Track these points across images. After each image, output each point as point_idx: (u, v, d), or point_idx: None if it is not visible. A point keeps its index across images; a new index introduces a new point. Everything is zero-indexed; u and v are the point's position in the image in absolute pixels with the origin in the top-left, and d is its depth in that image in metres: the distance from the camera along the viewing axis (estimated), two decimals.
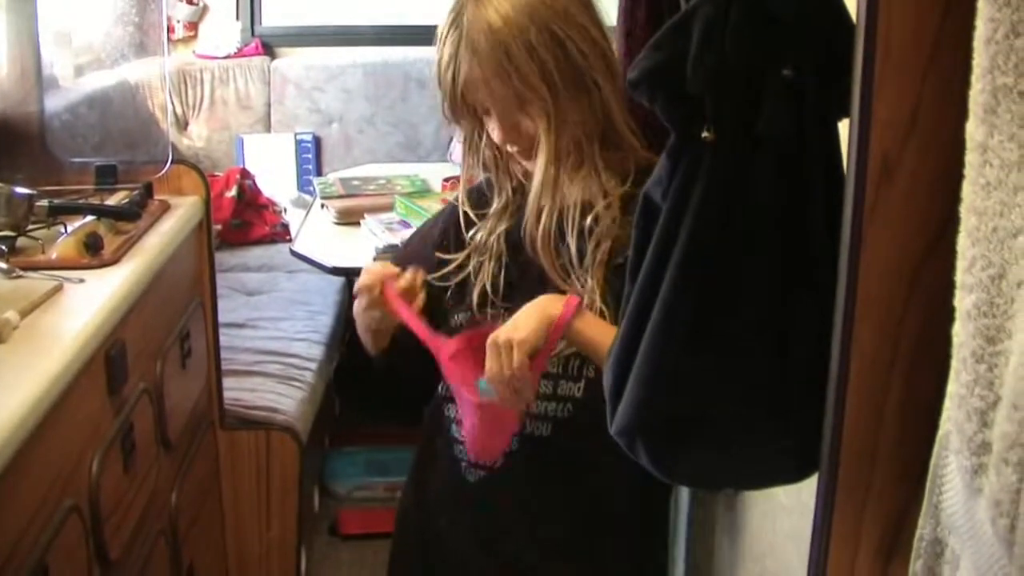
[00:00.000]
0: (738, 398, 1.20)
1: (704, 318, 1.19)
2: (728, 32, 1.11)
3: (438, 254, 2.24)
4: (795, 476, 1.32)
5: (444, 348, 1.99)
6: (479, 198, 2.25)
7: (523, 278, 2.13)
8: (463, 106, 2.07)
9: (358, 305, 2.12)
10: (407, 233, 3.36)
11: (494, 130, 2.07)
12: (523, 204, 2.13)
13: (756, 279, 1.18)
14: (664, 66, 1.15)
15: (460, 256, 2.21)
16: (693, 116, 1.15)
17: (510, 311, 2.00)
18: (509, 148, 2.09)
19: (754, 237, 1.17)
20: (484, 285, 2.15)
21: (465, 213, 2.23)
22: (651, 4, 3.30)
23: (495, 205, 2.20)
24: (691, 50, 1.13)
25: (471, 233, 2.21)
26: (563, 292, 2.02)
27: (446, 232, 2.28)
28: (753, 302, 1.18)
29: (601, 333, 1.88)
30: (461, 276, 2.19)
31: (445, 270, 2.21)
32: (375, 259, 2.48)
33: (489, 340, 1.88)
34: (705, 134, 1.14)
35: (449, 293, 2.21)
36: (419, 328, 2.03)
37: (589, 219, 2.05)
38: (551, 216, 2.06)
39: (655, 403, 1.23)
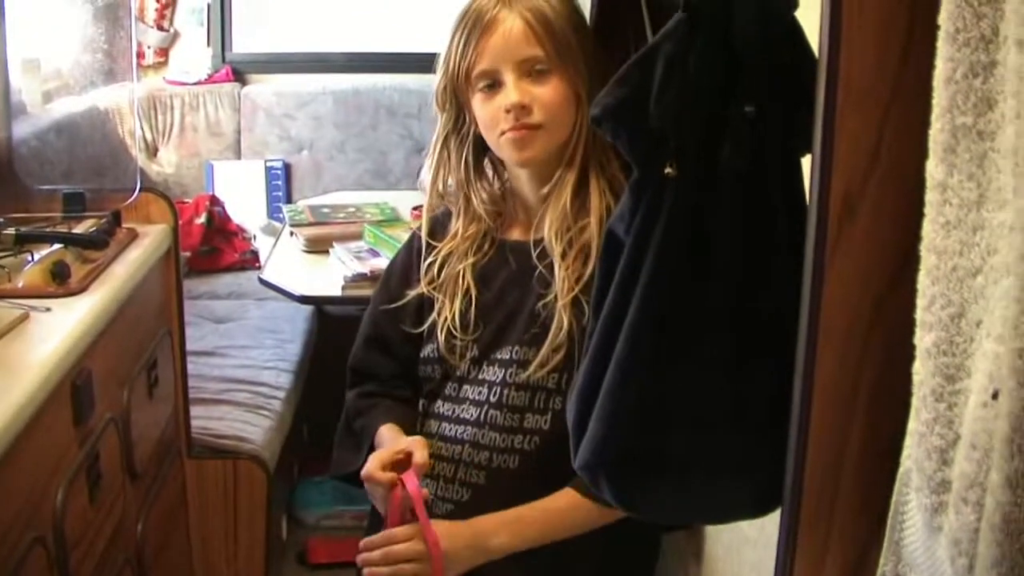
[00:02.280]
0: (697, 433, 1.20)
1: (665, 353, 1.19)
2: (689, 68, 1.12)
3: (413, 293, 2.21)
4: (753, 512, 1.32)
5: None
6: (440, 229, 2.21)
7: (496, 308, 2.12)
8: (464, 85, 2.04)
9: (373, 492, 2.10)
10: (376, 262, 3.35)
11: (509, 92, 2.00)
12: (492, 235, 2.13)
13: (717, 314, 1.18)
14: (627, 102, 1.16)
15: (414, 293, 2.19)
16: (655, 151, 1.15)
17: (476, 342, 2.10)
18: (508, 125, 2.01)
19: (715, 271, 1.17)
20: (449, 323, 2.12)
21: (428, 244, 2.19)
22: (617, 40, 3.33)
23: (458, 233, 2.16)
24: (653, 86, 1.13)
25: (434, 270, 2.16)
26: (539, 313, 2.04)
27: (417, 265, 2.24)
28: (714, 337, 1.19)
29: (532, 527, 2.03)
30: (430, 320, 2.16)
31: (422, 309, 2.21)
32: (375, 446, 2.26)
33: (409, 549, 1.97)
34: (668, 170, 1.14)
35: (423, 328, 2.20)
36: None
37: (586, 233, 2.02)
38: (565, 216, 2.02)
39: (617, 438, 1.23)
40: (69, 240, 2.52)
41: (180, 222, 3.07)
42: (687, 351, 1.19)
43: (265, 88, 5.54)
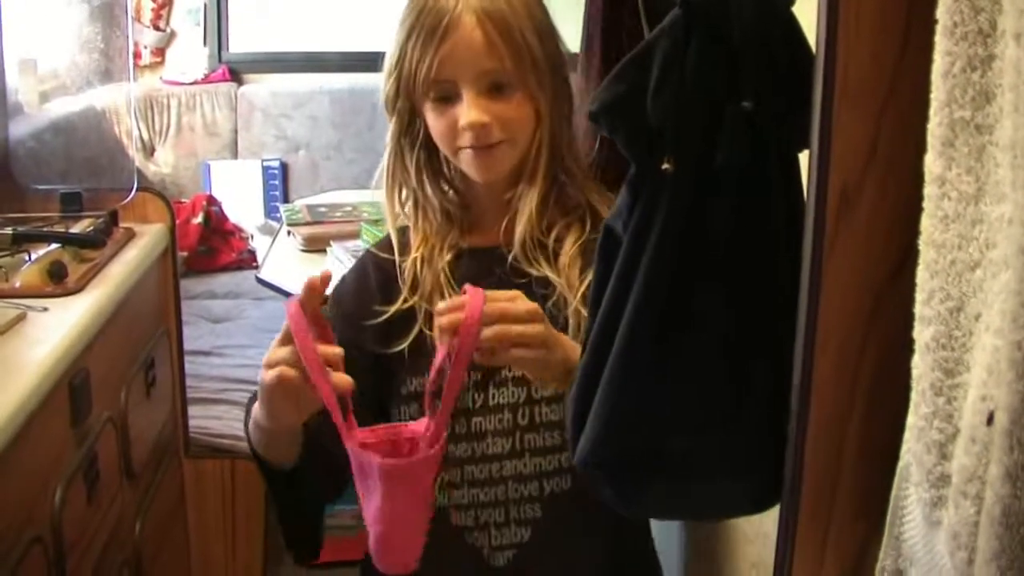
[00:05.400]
0: (696, 432, 1.20)
1: (663, 350, 1.18)
2: (687, 64, 1.12)
3: (385, 316, 1.86)
4: (751, 510, 1.32)
5: (358, 434, 1.56)
6: (401, 241, 1.91)
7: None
8: (424, 87, 1.77)
9: (276, 377, 1.55)
10: None
11: (466, 110, 1.75)
12: (455, 243, 1.87)
13: (715, 310, 1.18)
14: (624, 98, 1.16)
15: (393, 309, 1.84)
16: (653, 148, 1.15)
17: (480, 368, 1.75)
18: (467, 143, 1.77)
19: (714, 267, 1.17)
20: None
21: (392, 261, 1.89)
22: (608, 36, 3.33)
23: (423, 241, 1.88)
24: (651, 82, 1.13)
25: (415, 278, 1.86)
26: (553, 312, 1.75)
27: (386, 287, 1.89)
28: (712, 333, 1.18)
29: None
30: (412, 336, 1.83)
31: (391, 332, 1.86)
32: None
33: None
34: (666, 165, 1.14)
35: (401, 358, 1.85)
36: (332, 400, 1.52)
37: (552, 236, 1.83)
38: (532, 220, 1.83)
39: (615, 437, 1.22)
40: (66, 240, 2.52)
41: (177, 222, 3.09)
42: (685, 349, 1.18)
43: (262, 88, 5.55)
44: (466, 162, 1.82)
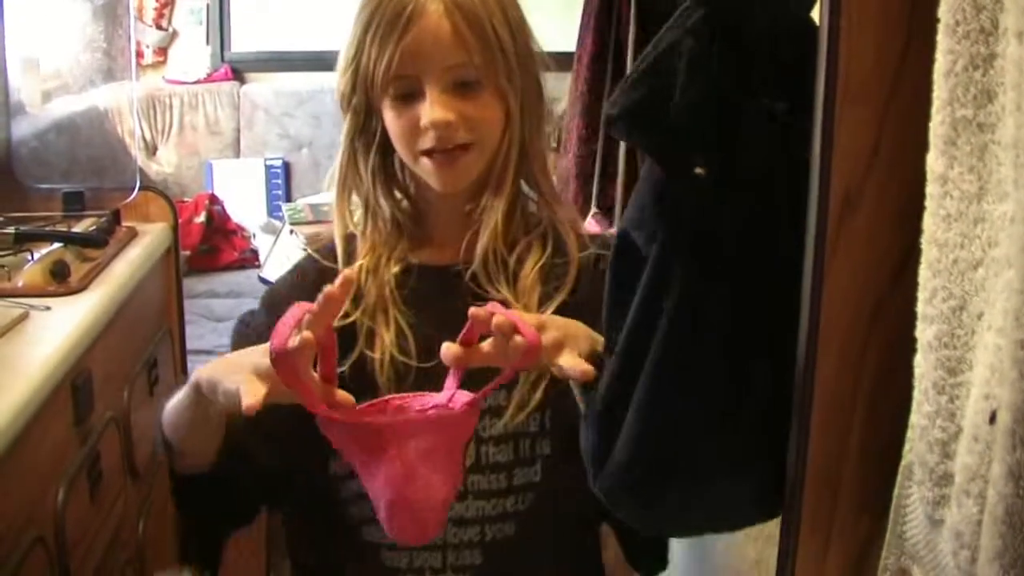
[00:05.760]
0: (721, 444, 1.17)
1: (699, 362, 1.16)
2: (712, 64, 1.10)
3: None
4: (755, 518, 1.30)
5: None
6: (346, 250, 1.73)
7: (443, 330, 1.49)
8: (383, 83, 1.60)
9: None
10: None
11: (429, 108, 1.58)
12: (404, 259, 1.70)
13: (744, 318, 1.15)
14: (647, 102, 1.12)
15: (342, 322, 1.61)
16: (682, 150, 1.12)
17: (432, 379, 1.54)
18: (429, 145, 1.60)
19: (740, 273, 1.15)
20: (387, 357, 1.63)
21: (334, 270, 1.63)
22: (597, 33, 3.33)
23: (370, 251, 1.70)
24: (678, 84, 1.11)
25: (350, 295, 1.58)
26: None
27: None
28: (743, 343, 1.16)
29: None
30: (355, 355, 1.64)
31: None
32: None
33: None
34: (699, 169, 1.12)
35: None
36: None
37: (514, 256, 1.67)
38: (497, 235, 1.67)
39: (645, 458, 1.20)
40: (69, 239, 2.52)
41: (179, 221, 3.08)
42: (718, 360, 1.16)
43: (264, 87, 5.56)
44: (427, 168, 1.64)
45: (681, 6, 1.13)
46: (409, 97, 1.61)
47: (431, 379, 1.54)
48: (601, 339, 1.36)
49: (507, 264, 1.66)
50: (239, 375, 1.39)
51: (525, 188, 1.73)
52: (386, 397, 1.48)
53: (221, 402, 1.45)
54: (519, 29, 1.67)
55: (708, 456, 1.19)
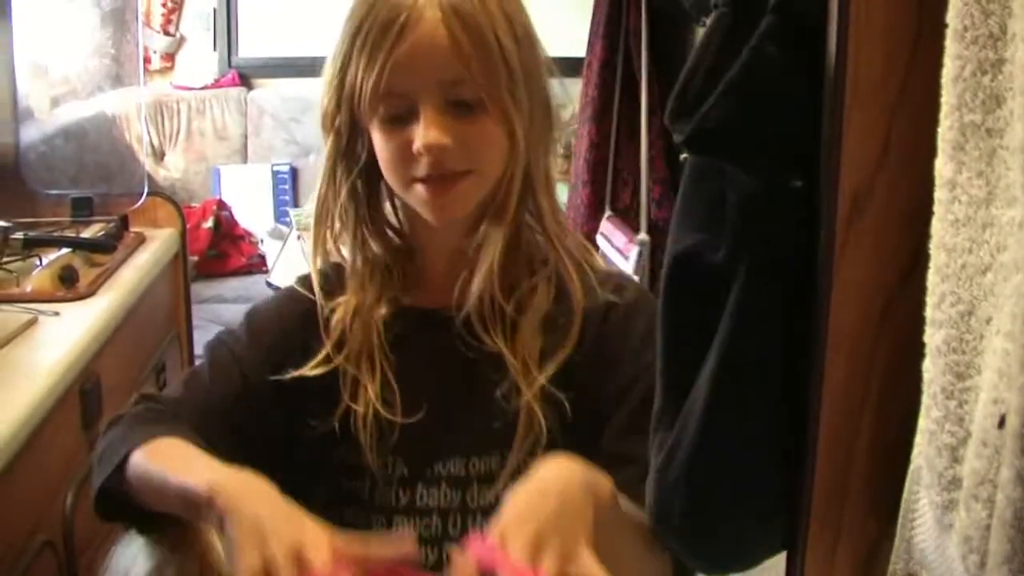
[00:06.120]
0: (777, 473, 1.12)
1: (788, 389, 1.09)
2: (797, 74, 1.06)
3: (299, 372, 1.51)
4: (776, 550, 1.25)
5: None
6: (329, 283, 1.57)
7: (428, 400, 1.48)
8: (371, 101, 1.42)
9: None
10: None
11: (423, 130, 1.40)
12: (393, 299, 1.54)
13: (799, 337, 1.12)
14: (738, 118, 1.07)
15: (309, 367, 1.50)
16: (779, 164, 1.08)
17: (402, 453, 1.47)
18: (423, 172, 1.42)
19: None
20: (370, 412, 1.48)
21: (321, 306, 1.54)
22: (607, 40, 3.34)
23: (358, 288, 1.54)
24: (765, 97, 1.06)
25: (334, 337, 1.51)
26: (497, 405, 1.45)
27: (307, 330, 1.54)
28: (796, 365, 1.12)
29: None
30: (341, 408, 1.49)
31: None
32: None
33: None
34: (798, 182, 1.08)
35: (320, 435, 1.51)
36: None
37: (513, 302, 1.49)
38: (493, 275, 1.48)
39: (722, 493, 1.14)
40: (77, 244, 2.53)
41: (187, 226, 3.09)
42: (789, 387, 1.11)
43: (271, 92, 5.57)
44: (419, 198, 1.45)
45: (716, 11, 1.11)
46: (400, 119, 1.42)
47: (415, 437, 1.46)
48: (600, 480, 1.24)
49: (504, 311, 1.48)
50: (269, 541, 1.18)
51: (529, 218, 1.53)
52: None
53: (223, 548, 1.31)
54: (525, 38, 1.48)
55: (769, 495, 1.15)
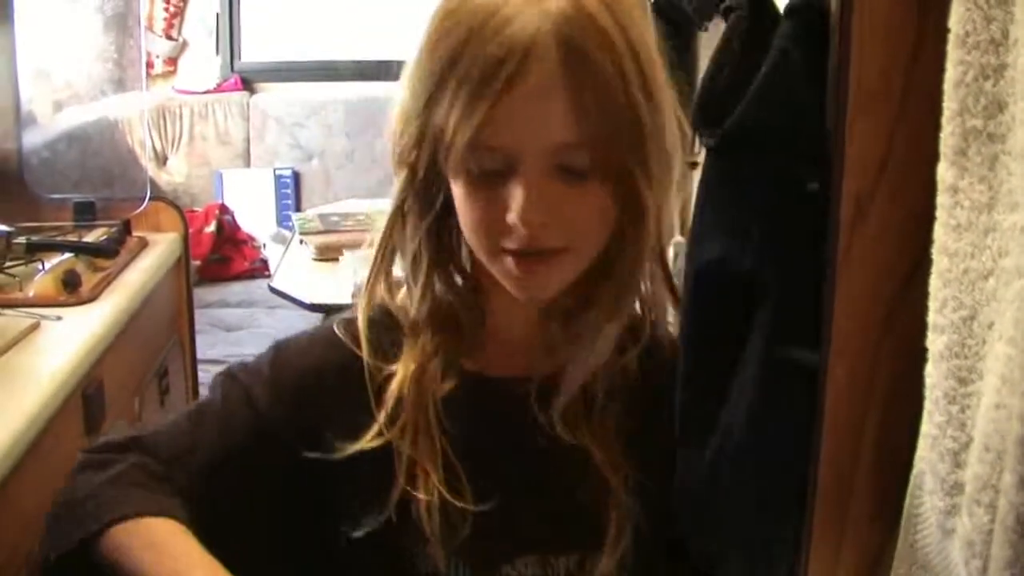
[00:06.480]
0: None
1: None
2: (814, 83, 1.06)
3: (352, 444, 1.26)
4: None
5: None
6: (377, 334, 1.32)
7: (493, 487, 1.25)
8: (462, 153, 1.14)
9: None
10: None
11: (522, 199, 1.14)
12: (453, 361, 1.30)
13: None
14: (764, 121, 1.05)
15: (360, 444, 1.26)
16: (803, 168, 1.07)
17: (467, 550, 1.25)
18: (514, 244, 1.17)
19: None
20: (435, 500, 1.24)
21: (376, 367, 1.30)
22: None
23: (417, 349, 1.30)
24: (803, 102, 1.05)
25: (389, 407, 1.27)
26: (581, 502, 1.27)
27: (349, 392, 1.30)
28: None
29: None
30: (398, 494, 1.25)
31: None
32: None
33: None
34: (813, 184, 1.07)
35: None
36: None
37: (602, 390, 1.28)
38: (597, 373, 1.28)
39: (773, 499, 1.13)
40: (80, 249, 2.53)
41: (190, 231, 3.09)
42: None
43: (274, 97, 5.57)
44: (507, 270, 1.21)
45: (733, 14, 1.10)
46: (494, 175, 1.16)
47: (490, 527, 1.24)
48: None
49: (595, 402, 1.28)
50: None
51: None
52: None
53: None
54: (653, 80, 1.17)
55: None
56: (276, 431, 1.30)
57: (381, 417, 1.25)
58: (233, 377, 1.37)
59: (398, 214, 1.28)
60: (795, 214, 1.08)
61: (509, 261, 1.19)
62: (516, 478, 1.23)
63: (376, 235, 1.32)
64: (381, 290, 1.32)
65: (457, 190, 1.20)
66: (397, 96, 1.24)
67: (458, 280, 1.30)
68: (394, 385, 1.27)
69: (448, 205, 1.24)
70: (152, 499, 1.24)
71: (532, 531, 1.24)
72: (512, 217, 1.14)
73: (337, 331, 1.33)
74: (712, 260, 1.11)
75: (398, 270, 1.33)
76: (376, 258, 1.31)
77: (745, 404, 1.10)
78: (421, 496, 1.23)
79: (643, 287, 1.29)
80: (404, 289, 1.32)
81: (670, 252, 1.32)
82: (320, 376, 1.32)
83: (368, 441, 1.25)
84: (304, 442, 1.27)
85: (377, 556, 1.28)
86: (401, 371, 1.27)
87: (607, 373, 1.27)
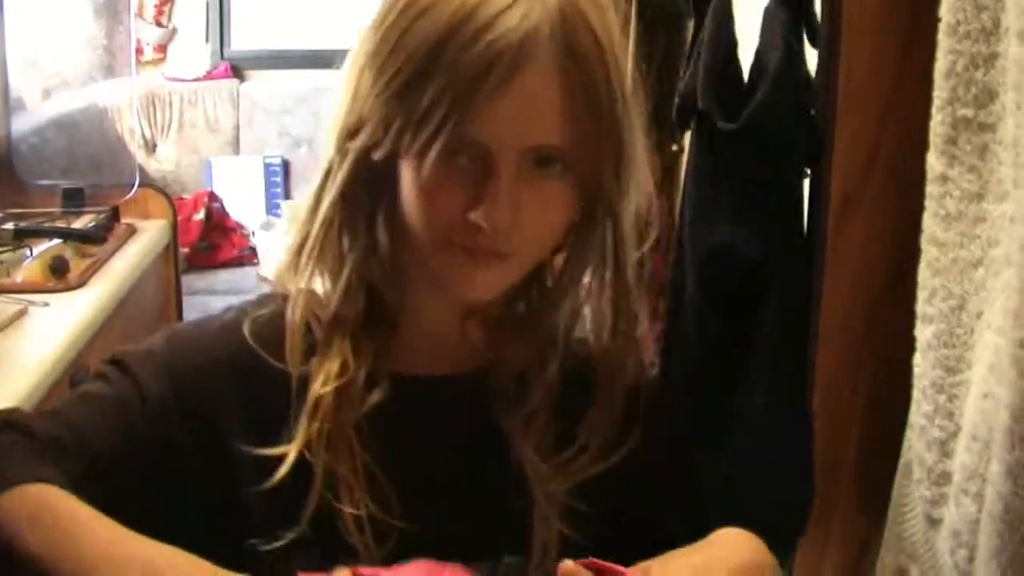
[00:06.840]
0: None
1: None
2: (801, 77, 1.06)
3: (259, 450, 1.09)
4: None
5: None
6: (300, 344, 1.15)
7: (418, 493, 1.11)
8: (432, 137, 1.02)
9: None
10: None
11: (496, 201, 1.02)
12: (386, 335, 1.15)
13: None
14: (777, 111, 1.05)
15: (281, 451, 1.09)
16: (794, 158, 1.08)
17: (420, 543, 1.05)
18: (467, 242, 1.05)
19: None
20: (364, 514, 1.08)
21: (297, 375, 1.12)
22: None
23: (339, 353, 1.13)
24: (800, 98, 1.06)
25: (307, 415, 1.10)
26: (508, 504, 1.12)
27: (250, 386, 1.15)
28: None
29: None
30: (313, 501, 1.08)
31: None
32: None
33: None
34: (807, 169, 1.07)
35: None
36: None
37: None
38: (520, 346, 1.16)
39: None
40: (68, 235, 2.52)
41: (179, 218, 3.08)
42: None
43: (264, 84, 5.55)
44: (450, 265, 1.09)
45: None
46: (460, 167, 1.05)
47: (419, 538, 1.08)
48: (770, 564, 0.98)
49: (525, 403, 1.15)
50: None
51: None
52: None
53: None
54: (627, 85, 1.09)
55: None
56: (166, 421, 1.12)
57: (304, 422, 1.10)
58: (120, 362, 1.20)
59: (341, 200, 1.16)
60: (797, 201, 1.09)
61: (458, 257, 1.07)
62: (441, 481, 1.13)
63: (297, 225, 1.19)
64: (307, 279, 1.15)
65: (410, 175, 1.07)
66: (344, 81, 1.17)
67: (381, 273, 1.15)
68: (313, 390, 1.11)
69: (393, 193, 1.11)
70: (44, 470, 1.05)
71: (460, 540, 1.08)
72: (478, 216, 1.03)
73: (246, 327, 1.18)
74: (718, 246, 1.11)
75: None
76: (313, 249, 1.14)
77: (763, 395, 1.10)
78: (347, 510, 1.09)
79: (580, 296, 1.16)
80: (343, 286, 1.15)
81: None
82: (215, 363, 1.17)
83: (278, 449, 1.10)
84: (195, 436, 1.13)
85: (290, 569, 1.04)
86: (321, 374, 1.13)
87: (534, 377, 1.14)
